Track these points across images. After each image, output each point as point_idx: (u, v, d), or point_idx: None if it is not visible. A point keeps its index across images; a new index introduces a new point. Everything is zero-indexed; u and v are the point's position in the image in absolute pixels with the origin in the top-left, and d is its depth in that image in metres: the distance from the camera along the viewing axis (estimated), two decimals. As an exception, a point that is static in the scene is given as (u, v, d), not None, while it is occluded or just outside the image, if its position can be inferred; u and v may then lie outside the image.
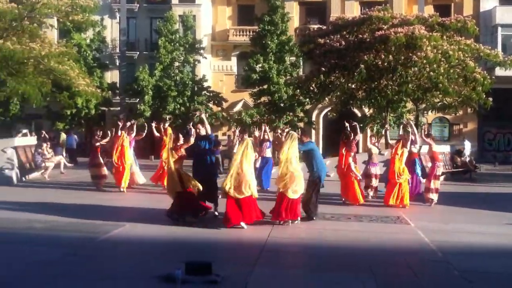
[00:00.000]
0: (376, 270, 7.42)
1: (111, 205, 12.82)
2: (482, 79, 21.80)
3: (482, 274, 7.40)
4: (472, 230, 10.71)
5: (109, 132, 16.84)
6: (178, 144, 10.89)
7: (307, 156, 11.21)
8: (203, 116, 11.72)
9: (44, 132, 23.70)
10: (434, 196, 13.61)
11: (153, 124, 16.95)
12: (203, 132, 11.34)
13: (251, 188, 9.90)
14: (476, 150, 33.84)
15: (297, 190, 10.32)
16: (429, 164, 15.50)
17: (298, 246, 9.04)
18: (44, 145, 19.13)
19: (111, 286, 6.61)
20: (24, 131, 22.72)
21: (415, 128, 15.01)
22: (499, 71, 27.33)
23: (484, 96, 22.47)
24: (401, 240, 9.54)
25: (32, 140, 20.58)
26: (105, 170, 15.98)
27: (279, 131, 17.67)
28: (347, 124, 14.01)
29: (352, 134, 13.93)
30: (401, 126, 15.92)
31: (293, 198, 10.30)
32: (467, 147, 24.88)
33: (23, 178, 18.12)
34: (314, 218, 10.97)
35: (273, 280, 7.00)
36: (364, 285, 6.79)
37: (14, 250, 8.26)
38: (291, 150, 10.42)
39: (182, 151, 10.81)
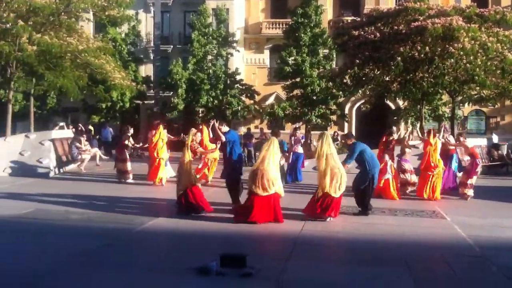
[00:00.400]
0: (411, 264, 7.33)
1: (145, 197, 13.00)
2: (520, 71, 21.23)
3: (522, 270, 7.23)
4: (509, 225, 10.47)
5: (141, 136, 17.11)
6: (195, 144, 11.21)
7: (359, 156, 11.14)
8: (216, 124, 11.73)
9: (80, 125, 24.14)
10: (470, 192, 13.39)
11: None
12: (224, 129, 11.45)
13: (274, 185, 9.70)
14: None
15: (338, 188, 10.19)
16: (466, 158, 15.25)
17: (332, 239, 8.98)
18: (81, 138, 19.47)
19: (147, 277, 6.69)
20: (61, 124, 23.20)
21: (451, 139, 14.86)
22: (538, 63, 26.55)
23: (523, 88, 21.90)
24: (437, 235, 9.40)
25: (68, 132, 21.01)
26: (129, 166, 16.19)
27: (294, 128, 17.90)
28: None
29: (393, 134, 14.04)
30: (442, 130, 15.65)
31: (334, 197, 10.17)
32: (495, 141, 24.24)
33: (60, 170, 18.50)
34: (369, 213, 10.96)
35: (307, 273, 6.98)
36: (400, 280, 6.72)
37: (52, 241, 8.45)
38: (325, 148, 10.29)
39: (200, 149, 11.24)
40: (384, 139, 14.75)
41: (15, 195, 12.87)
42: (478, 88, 23.17)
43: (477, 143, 17.46)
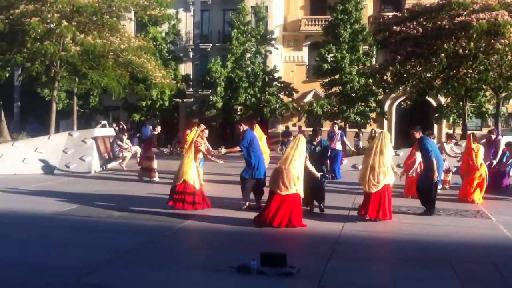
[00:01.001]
0: (457, 266, 7.13)
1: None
2: None
3: None
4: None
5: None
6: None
7: (424, 152, 10.85)
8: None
9: (122, 123, 24.53)
10: None
11: None
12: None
13: (296, 185, 9.23)
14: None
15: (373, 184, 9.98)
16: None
17: (373, 239, 8.84)
18: (123, 136, 19.77)
19: (188, 274, 6.72)
20: (103, 122, 23.62)
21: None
22: None
23: None
24: (482, 235, 9.13)
25: (110, 131, 21.37)
26: (155, 164, 16.05)
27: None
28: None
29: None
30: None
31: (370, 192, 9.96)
32: None
33: (102, 168, 18.84)
34: (432, 213, 10.66)
35: (348, 273, 6.88)
36: (445, 281, 6.55)
37: (96, 238, 8.60)
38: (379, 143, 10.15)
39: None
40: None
41: (58, 192, 13.16)
42: (524, 84, 22.48)
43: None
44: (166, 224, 9.53)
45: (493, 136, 14.88)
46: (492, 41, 20.37)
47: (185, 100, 36.82)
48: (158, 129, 17.28)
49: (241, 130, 11.21)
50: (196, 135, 11.22)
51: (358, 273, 6.89)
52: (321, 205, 10.80)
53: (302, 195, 9.39)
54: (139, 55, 22.15)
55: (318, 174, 10.31)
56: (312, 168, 10.03)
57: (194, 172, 10.85)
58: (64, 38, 20.48)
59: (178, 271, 6.88)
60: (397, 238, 8.98)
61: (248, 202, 11.00)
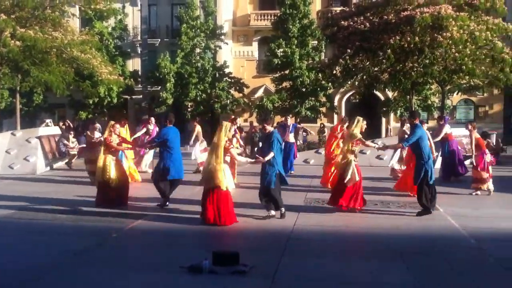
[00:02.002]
0: (407, 257, 7.22)
1: (134, 195, 12.69)
2: (510, 59, 21.18)
3: (519, 261, 7.14)
4: (504, 215, 10.41)
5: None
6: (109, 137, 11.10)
7: (416, 144, 10.13)
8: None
9: (68, 121, 23.82)
10: (491, 186, 12.60)
11: None
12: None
13: (215, 179, 9.04)
14: (502, 132, 33.16)
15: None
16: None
17: (326, 233, 8.84)
18: (68, 134, 19.18)
19: (139, 276, 6.52)
20: (48, 120, 22.86)
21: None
22: (527, 51, 26.60)
23: (513, 76, 21.88)
24: (431, 227, 9.28)
25: (55, 129, 20.70)
26: None
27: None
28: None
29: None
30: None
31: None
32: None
33: (48, 168, 18.23)
34: (432, 211, 10.11)
35: (302, 269, 6.84)
36: (397, 273, 6.60)
37: (42, 240, 8.27)
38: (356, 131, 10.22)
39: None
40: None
41: (1, 195, 12.59)
42: (467, 77, 23.12)
43: (461, 132, 17.22)
44: (115, 225, 9.26)
45: (441, 123, 15.21)
46: (436, 35, 20.82)
47: (133, 96, 36.18)
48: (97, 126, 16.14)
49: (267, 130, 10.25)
50: (107, 132, 11.19)
51: (311, 268, 6.87)
52: (279, 211, 9.74)
53: (224, 188, 9.14)
54: (84, 51, 21.50)
55: (244, 159, 10.25)
56: (236, 156, 9.80)
57: (113, 169, 10.90)
58: (3, 33, 19.65)
59: (128, 273, 6.66)
60: (349, 231, 9.03)
61: None
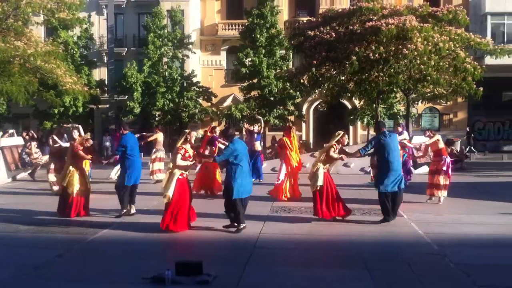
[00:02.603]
0: (371, 265, 7.26)
1: (97, 205, 12.42)
2: (472, 68, 21.63)
3: (480, 267, 7.25)
4: (467, 220, 10.57)
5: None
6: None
7: (380, 153, 10.19)
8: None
9: (32, 131, 23.35)
10: (443, 194, 12.62)
11: None
12: None
13: (165, 185, 9.37)
14: (465, 139, 33.87)
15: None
16: (420, 153, 15.31)
17: (291, 242, 8.83)
18: (31, 144, 18.79)
19: (99, 289, 6.42)
20: (11, 131, 22.35)
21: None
22: (489, 60, 27.22)
23: (475, 85, 22.33)
24: (394, 233, 9.38)
25: (19, 140, 20.24)
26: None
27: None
28: None
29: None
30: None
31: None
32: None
33: (10, 179, 17.81)
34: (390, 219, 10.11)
35: (266, 277, 6.83)
36: (361, 281, 6.64)
37: (2, 254, 8.06)
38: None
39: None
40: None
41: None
42: (431, 86, 23.52)
43: (421, 140, 17.48)
44: (77, 237, 9.09)
45: (399, 129, 15.42)
46: (400, 46, 21.14)
47: (100, 106, 35.67)
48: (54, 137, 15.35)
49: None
50: (78, 141, 11.20)
51: (275, 277, 6.85)
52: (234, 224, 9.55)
53: (165, 200, 9.30)
54: (48, 61, 21.12)
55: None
56: (179, 162, 9.71)
57: (76, 179, 10.83)
58: (-37, 42, 19.23)
59: (89, 286, 6.54)
60: (314, 239, 9.04)
61: None
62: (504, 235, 9.24)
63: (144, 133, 18.19)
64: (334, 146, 10.34)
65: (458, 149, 25.87)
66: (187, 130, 9.81)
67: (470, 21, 27.43)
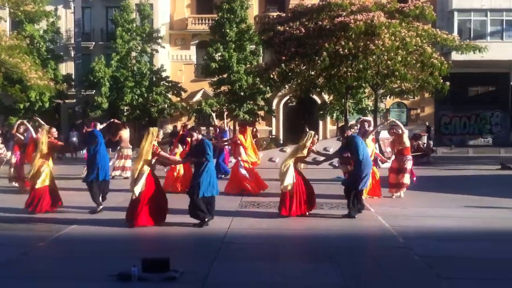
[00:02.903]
0: (337, 258, 7.31)
1: (67, 202, 12.25)
2: (439, 64, 21.99)
3: (443, 259, 7.37)
4: (432, 214, 10.76)
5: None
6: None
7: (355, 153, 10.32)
8: None
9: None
10: (403, 191, 12.71)
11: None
12: None
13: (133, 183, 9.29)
14: (433, 133, 34.49)
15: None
16: (388, 149, 15.48)
17: (259, 237, 8.85)
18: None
19: (65, 286, 6.31)
20: (-25, 126, 21.84)
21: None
22: (455, 56, 27.76)
23: (441, 80, 22.70)
24: (362, 227, 9.50)
25: (-17, 135, 19.76)
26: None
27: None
28: None
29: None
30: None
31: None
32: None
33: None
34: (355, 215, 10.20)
35: (233, 272, 6.83)
36: (327, 275, 6.69)
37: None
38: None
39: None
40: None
41: None
42: (399, 81, 23.84)
43: (384, 136, 17.72)
44: (42, 234, 8.93)
45: (366, 127, 15.46)
46: (368, 42, 21.34)
47: (67, 101, 35.11)
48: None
49: None
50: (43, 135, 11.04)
51: (243, 272, 6.86)
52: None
53: (134, 196, 9.25)
54: (12, 55, 20.66)
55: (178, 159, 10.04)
56: (167, 155, 9.61)
57: (47, 174, 10.78)
58: None
59: (54, 284, 6.44)
60: (282, 234, 9.07)
61: None
62: (467, 228, 9.43)
63: (113, 120, 17.97)
64: (307, 148, 10.37)
65: (425, 144, 26.30)
66: (152, 128, 9.69)
67: (438, 17, 27.89)
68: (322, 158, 11.60)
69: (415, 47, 21.86)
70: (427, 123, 34.53)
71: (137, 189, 9.18)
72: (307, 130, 10.82)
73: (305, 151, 10.38)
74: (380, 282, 6.48)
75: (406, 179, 12.63)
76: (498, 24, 35.33)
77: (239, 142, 13.85)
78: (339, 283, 6.38)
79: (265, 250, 8.06)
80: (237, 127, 17.24)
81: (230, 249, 7.98)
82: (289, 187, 10.07)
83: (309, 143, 10.42)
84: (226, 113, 21.64)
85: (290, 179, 10.14)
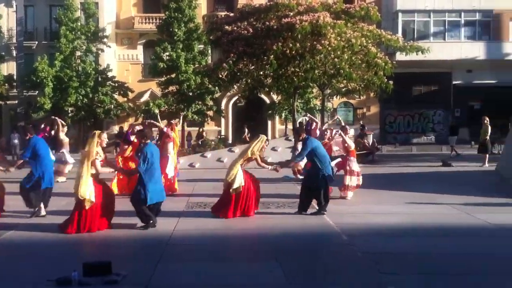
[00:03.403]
0: (282, 257, 7.34)
1: (7, 206, 11.82)
2: (383, 64, 22.47)
3: (385, 255, 7.52)
4: (376, 211, 10.98)
5: None
6: None
7: (309, 154, 10.53)
8: None
9: None
10: (349, 194, 12.59)
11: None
12: None
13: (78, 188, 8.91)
14: (378, 132, 35.27)
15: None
16: (336, 148, 15.61)
17: (205, 237, 8.80)
18: None
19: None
20: None
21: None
22: (399, 56, 28.41)
23: (386, 80, 23.20)
24: (308, 225, 9.57)
25: None
26: None
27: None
28: None
29: None
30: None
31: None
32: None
33: None
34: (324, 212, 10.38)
35: (178, 274, 6.75)
36: (271, 274, 6.71)
37: None
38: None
39: None
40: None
41: None
42: (345, 81, 24.22)
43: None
44: (-21, 240, 8.59)
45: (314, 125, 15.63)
46: (315, 42, 21.58)
47: (8, 102, 33.97)
48: None
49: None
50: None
51: (187, 274, 6.79)
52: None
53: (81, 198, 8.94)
54: None
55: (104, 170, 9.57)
56: (98, 166, 9.42)
57: None
58: None
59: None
60: (229, 234, 9.06)
61: None
62: (409, 224, 9.67)
63: (56, 118, 17.51)
64: (256, 154, 10.35)
65: (370, 142, 26.83)
66: (96, 132, 9.44)
67: (383, 18, 28.53)
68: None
69: (360, 47, 22.26)
70: (361, 122, 34.97)
71: (86, 193, 8.89)
72: (254, 134, 10.89)
73: (253, 156, 10.35)
74: (323, 278, 6.54)
75: (348, 181, 12.53)
76: (440, 24, 36.43)
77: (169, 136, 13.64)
78: (283, 281, 6.40)
79: (210, 251, 8.01)
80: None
81: (175, 251, 7.90)
82: (239, 190, 10.04)
83: (257, 148, 10.38)
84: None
85: (239, 181, 10.11)
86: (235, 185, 10.06)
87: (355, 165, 12.63)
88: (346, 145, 12.76)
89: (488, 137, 20.67)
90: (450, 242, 8.41)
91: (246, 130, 32.15)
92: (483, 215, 10.32)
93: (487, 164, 19.78)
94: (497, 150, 24.82)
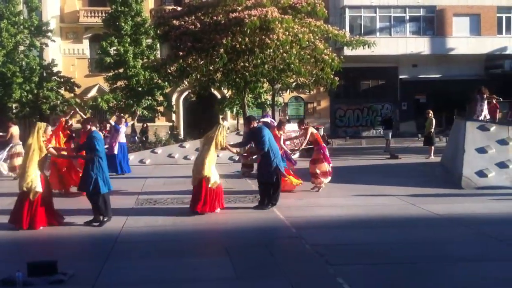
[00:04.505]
0: (232, 252, 7.38)
1: None
2: (330, 60, 22.79)
3: (333, 247, 7.67)
4: (324, 203, 11.16)
5: None
6: None
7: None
8: None
9: None
10: (325, 180, 12.79)
11: None
12: None
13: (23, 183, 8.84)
14: (329, 126, 35.79)
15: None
16: (288, 142, 15.77)
17: (154, 234, 8.73)
18: None
19: None
20: None
21: None
22: (347, 51, 28.82)
23: (333, 75, 23.53)
24: (257, 219, 9.63)
25: None
26: None
27: None
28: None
29: None
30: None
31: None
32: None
33: None
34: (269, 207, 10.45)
35: (126, 272, 6.69)
36: (222, 268, 6.73)
37: None
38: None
39: None
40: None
41: None
42: (294, 76, 24.42)
43: (293, 128, 18.24)
44: None
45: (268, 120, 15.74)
46: (264, 36, 21.66)
47: None
48: None
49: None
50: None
51: (135, 271, 6.73)
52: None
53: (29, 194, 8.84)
54: None
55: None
56: (53, 151, 9.27)
57: None
58: None
59: None
60: (178, 230, 9.02)
61: None
62: (357, 216, 9.89)
63: None
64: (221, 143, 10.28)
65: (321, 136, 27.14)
66: (39, 123, 9.25)
67: (330, 13, 28.91)
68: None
69: (307, 42, 22.49)
70: (301, 116, 35.33)
71: (39, 188, 8.73)
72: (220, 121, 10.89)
73: (219, 146, 10.30)
74: (272, 271, 6.61)
75: (327, 167, 12.93)
76: (386, 20, 37.23)
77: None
78: (232, 275, 6.44)
79: (160, 247, 7.95)
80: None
81: (124, 248, 7.81)
82: (218, 183, 10.06)
83: (222, 136, 10.28)
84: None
85: (216, 175, 10.11)
86: (213, 179, 10.00)
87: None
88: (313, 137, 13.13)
89: (432, 130, 21.26)
90: (397, 232, 8.63)
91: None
92: (428, 205, 10.62)
93: (432, 156, 20.31)
94: (442, 142, 25.53)
